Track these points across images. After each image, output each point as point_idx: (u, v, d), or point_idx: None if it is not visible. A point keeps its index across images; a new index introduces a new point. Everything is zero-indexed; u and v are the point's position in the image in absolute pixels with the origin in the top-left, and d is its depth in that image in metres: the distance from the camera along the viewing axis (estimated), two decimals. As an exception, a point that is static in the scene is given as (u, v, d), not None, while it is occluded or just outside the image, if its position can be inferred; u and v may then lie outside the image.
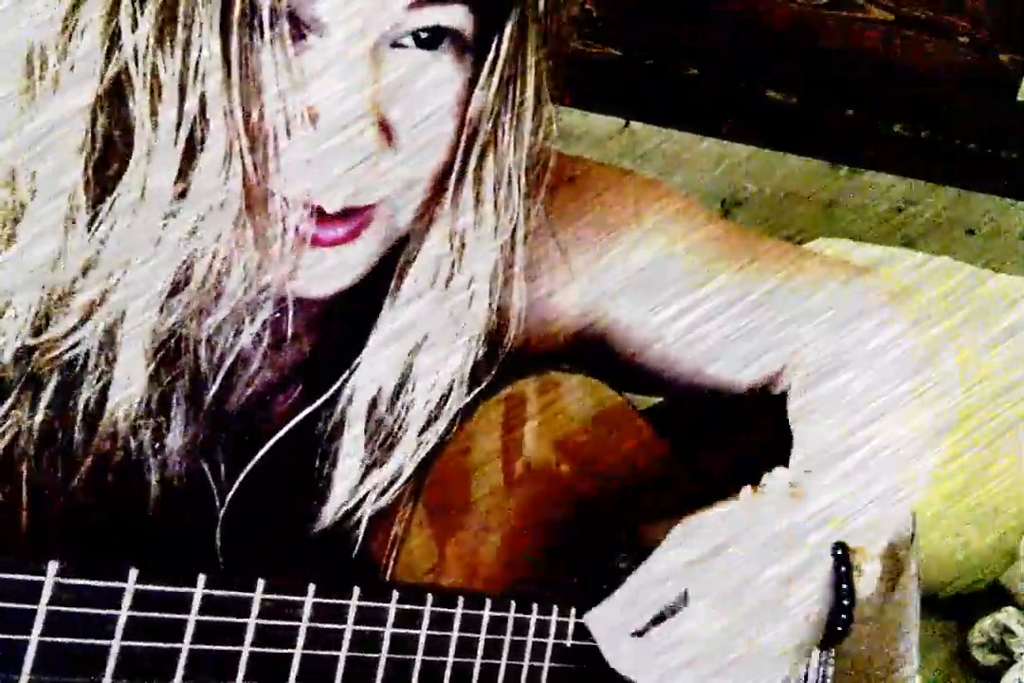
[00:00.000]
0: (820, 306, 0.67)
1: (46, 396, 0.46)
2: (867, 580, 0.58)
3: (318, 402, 0.52)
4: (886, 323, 0.68)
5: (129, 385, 0.46)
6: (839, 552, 0.57)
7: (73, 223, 0.42)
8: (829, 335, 0.67)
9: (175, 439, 0.49)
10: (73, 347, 0.45)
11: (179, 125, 0.41)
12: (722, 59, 1.46)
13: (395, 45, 0.45)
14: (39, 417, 0.46)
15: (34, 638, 0.35)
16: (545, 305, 0.63)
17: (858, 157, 1.56)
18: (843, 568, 0.57)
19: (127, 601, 0.37)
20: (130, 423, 0.47)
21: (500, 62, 0.47)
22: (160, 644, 0.39)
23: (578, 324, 0.65)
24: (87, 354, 0.45)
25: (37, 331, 0.44)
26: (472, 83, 0.47)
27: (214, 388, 0.49)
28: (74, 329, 0.44)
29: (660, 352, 0.67)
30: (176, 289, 0.44)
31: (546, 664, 0.57)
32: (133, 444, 0.48)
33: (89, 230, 0.42)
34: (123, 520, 0.49)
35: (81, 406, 0.47)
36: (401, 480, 0.54)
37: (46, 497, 0.48)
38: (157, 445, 0.49)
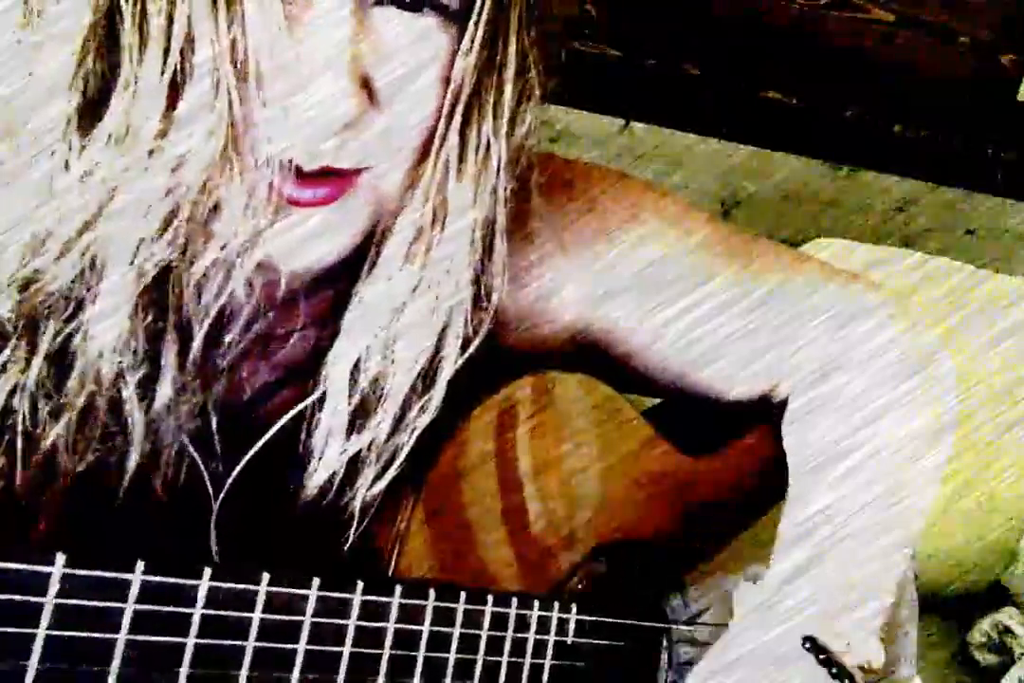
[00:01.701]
0: (818, 307, 0.68)
1: (42, 346, 0.46)
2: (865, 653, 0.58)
3: (314, 396, 0.52)
4: (884, 324, 0.68)
5: (111, 315, 0.45)
6: (808, 646, 0.56)
7: (60, 156, 0.42)
8: (827, 336, 0.68)
9: (163, 391, 0.48)
10: (57, 277, 0.44)
11: (166, 57, 0.41)
12: (722, 59, 1.46)
13: (378, 3, 0.45)
14: (36, 367, 0.46)
15: (41, 631, 0.35)
16: (543, 306, 0.63)
17: (858, 157, 1.56)
18: (822, 658, 0.56)
19: (134, 593, 0.37)
20: (115, 361, 0.46)
21: (482, 23, 0.47)
22: (166, 638, 0.39)
23: (576, 325, 0.65)
24: (78, 297, 0.45)
25: (23, 266, 0.44)
26: (456, 49, 0.47)
27: (201, 334, 0.48)
28: (59, 258, 0.44)
29: (658, 353, 0.67)
30: (163, 224, 0.43)
31: (547, 661, 0.57)
32: (124, 394, 0.47)
33: (77, 161, 0.42)
34: (110, 489, 0.49)
35: (72, 348, 0.46)
36: (400, 457, 0.53)
37: (35, 459, 0.47)
38: (144, 392, 0.48)
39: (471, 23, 0.46)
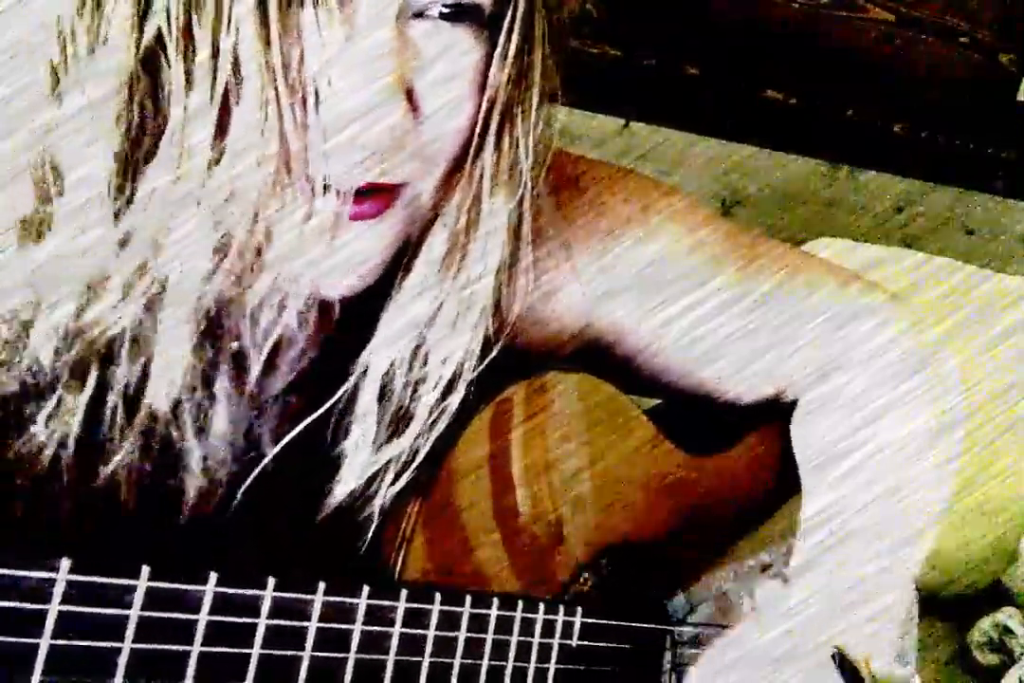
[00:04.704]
0: (820, 306, 0.68)
1: (88, 390, 0.45)
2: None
3: (338, 394, 0.51)
4: (886, 323, 0.68)
5: (170, 357, 0.45)
6: (837, 661, 0.57)
7: (111, 196, 0.42)
8: (829, 335, 0.68)
9: (220, 422, 0.48)
10: (117, 322, 0.43)
11: (214, 86, 0.40)
12: (722, 59, 1.46)
13: (417, 15, 0.45)
14: (80, 415, 0.45)
15: (45, 641, 0.34)
16: (547, 305, 0.63)
17: (858, 157, 1.56)
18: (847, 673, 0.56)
19: (139, 599, 0.37)
20: (172, 401, 0.46)
21: (515, 32, 0.47)
22: (171, 645, 0.38)
23: (579, 324, 0.65)
24: (129, 335, 0.44)
25: (80, 314, 0.44)
26: (488, 56, 0.47)
27: (258, 367, 0.48)
28: (117, 304, 0.43)
29: (660, 352, 0.67)
30: (218, 257, 0.43)
31: (552, 665, 0.57)
32: (175, 430, 0.47)
33: (128, 202, 0.42)
34: (156, 513, 0.49)
35: (122, 389, 0.45)
36: (417, 461, 0.53)
37: (82, 493, 0.47)
38: (199, 428, 0.48)
39: (505, 30, 0.46)
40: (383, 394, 0.52)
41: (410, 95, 0.45)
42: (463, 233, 0.50)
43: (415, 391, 0.52)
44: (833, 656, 0.56)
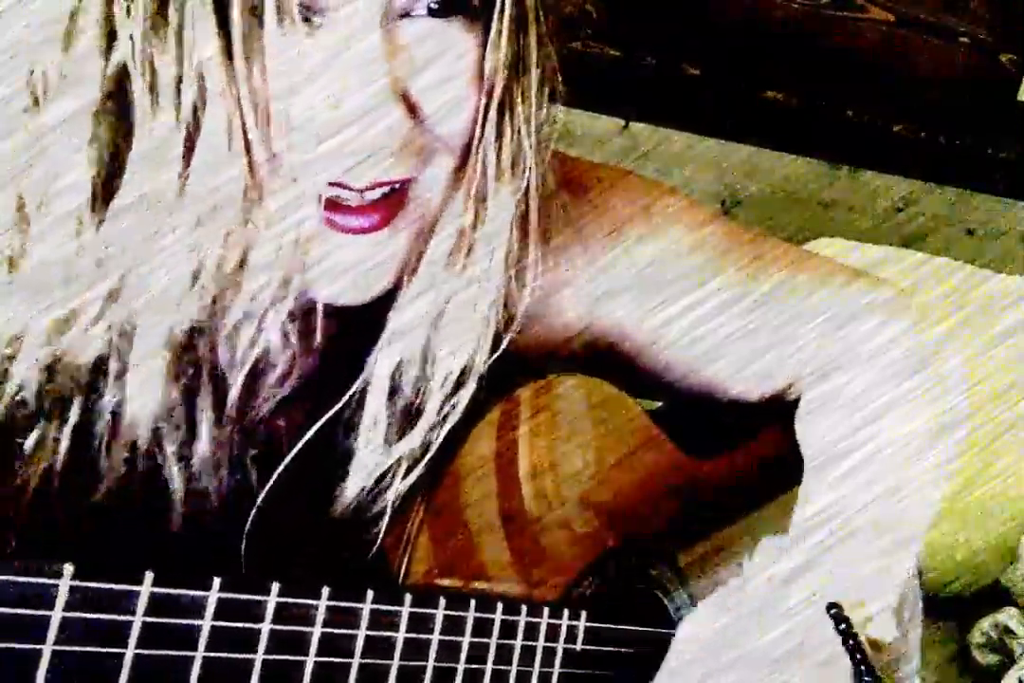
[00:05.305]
0: (821, 306, 0.67)
1: (71, 420, 0.46)
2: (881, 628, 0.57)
3: (345, 398, 0.51)
4: (887, 323, 0.68)
5: (146, 384, 0.45)
6: (832, 612, 0.56)
7: (81, 227, 0.42)
8: (830, 335, 0.67)
9: (201, 446, 0.48)
10: (90, 350, 0.44)
11: (179, 111, 0.40)
12: (722, 59, 1.46)
13: (404, 15, 0.45)
14: (64, 444, 0.46)
15: (48, 647, 0.34)
16: (549, 305, 0.63)
17: (858, 157, 1.56)
18: (844, 628, 0.56)
19: (142, 604, 0.37)
20: (151, 428, 0.46)
21: (506, 14, 0.46)
22: (174, 651, 0.38)
23: (581, 324, 0.65)
24: (106, 365, 0.44)
25: (59, 337, 0.44)
26: (483, 47, 0.47)
27: (236, 389, 0.47)
28: (86, 331, 0.43)
29: (661, 352, 0.67)
30: (190, 283, 0.43)
31: (556, 669, 0.57)
32: (158, 455, 0.47)
33: (97, 231, 0.42)
34: (145, 534, 0.48)
35: (104, 417, 0.46)
36: (428, 456, 0.53)
37: (71, 514, 0.47)
38: (182, 453, 0.48)
39: (495, 16, 0.46)
40: (393, 392, 0.52)
41: (406, 98, 0.45)
42: (469, 227, 0.50)
43: (425, 387, 0.52)
44: (829, 607, 0.55)
